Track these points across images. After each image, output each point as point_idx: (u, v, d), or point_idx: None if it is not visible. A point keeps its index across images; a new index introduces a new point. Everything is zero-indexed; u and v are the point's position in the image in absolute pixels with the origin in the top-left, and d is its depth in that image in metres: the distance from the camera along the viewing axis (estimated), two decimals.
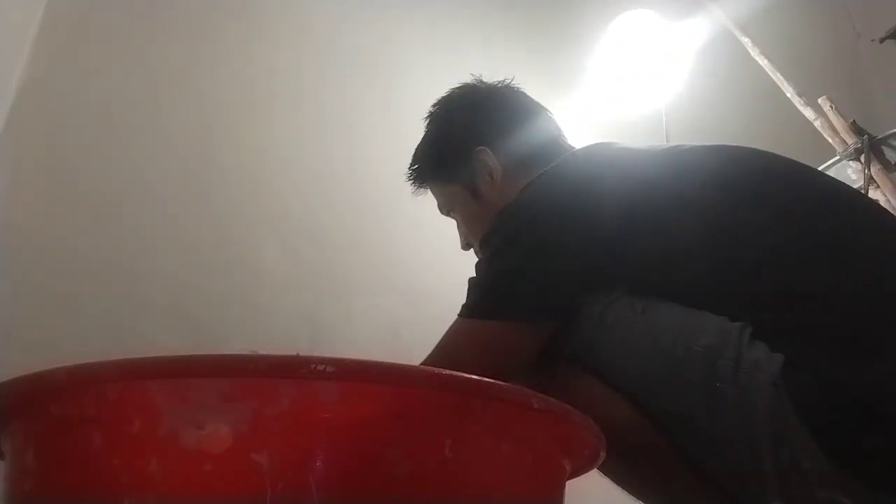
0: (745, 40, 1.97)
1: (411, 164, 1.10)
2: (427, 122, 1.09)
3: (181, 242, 1.31)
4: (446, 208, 1.07)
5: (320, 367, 0.41)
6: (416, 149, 1.09)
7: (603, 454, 0.59)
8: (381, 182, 1.61)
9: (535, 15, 2.20)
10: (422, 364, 0.76)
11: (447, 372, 0.45)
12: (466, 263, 1.56)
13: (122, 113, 1.30)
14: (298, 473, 0.41)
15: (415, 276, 1.61)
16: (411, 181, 1.10)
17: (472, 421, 0.46)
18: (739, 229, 0.72)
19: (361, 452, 0.42)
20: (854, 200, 0.80)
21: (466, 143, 1.00)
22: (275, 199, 1.49)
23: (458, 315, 0.81)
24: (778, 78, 1.90)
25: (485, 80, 1.07)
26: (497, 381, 0.47)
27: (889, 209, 1.67)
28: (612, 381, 0.74)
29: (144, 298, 1.22)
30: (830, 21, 2.71)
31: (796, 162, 0.84)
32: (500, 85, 1.06)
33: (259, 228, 1.44)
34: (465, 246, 1.08)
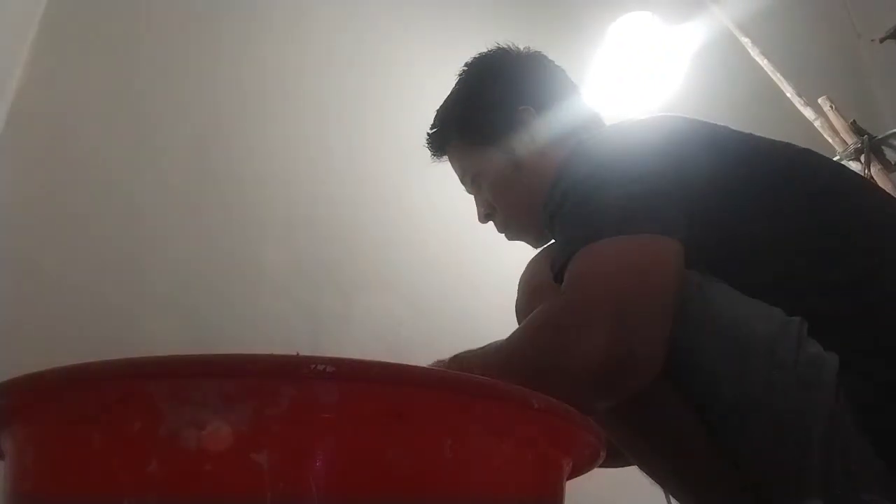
0: (745, 40, 1.97)
1: (434, 126, 1.03)
2: (459, 81, 1.02)
3: (181, 242, 1.31)
4: (472, 174, 0.98)
5: (320, 367, 0.41)
6: (442, 109, 1.02)
7: (603, 454, 0.58)
8: (382, 181, 1.61)
9: (535, 16, 2.20)
10: (575, 290, 0.64)
11: (447, 372, 0.45)
12: (467, 263, 1.57)
13: (121, 113, 1.30)
14: (298, 473, 0.41)
15: (415, 276, 1.61)
16: (432, 145, 1.03)
17: (472, 421, 0.46)
18: (802, 229, 0.70)
19: (361, 452, 0.42)
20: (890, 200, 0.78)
21: (508, 102, 0.95)
22: (275, 198, 1.49)
23: (586, 241, 0.67)
24: (778, 78, 1.90)
25: (509, 43, 1.02)
26: (497, 381, 0.47)
27: None
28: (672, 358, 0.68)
29: (145, 298, 1.22)
30: (830, 21, 2.71)
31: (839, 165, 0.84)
32: (530, 49, 1.02)
33: (259, 228, 1.44)
34: (485, 217, 1.00)
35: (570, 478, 0.59)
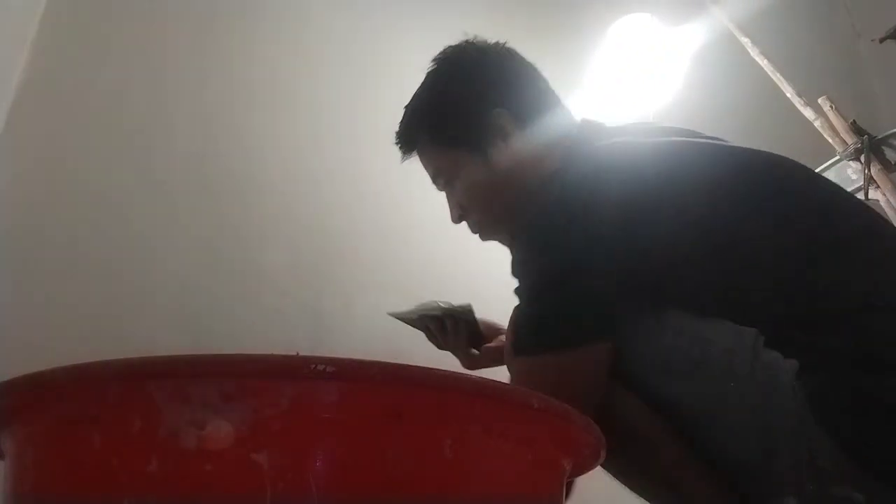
0: (745, 40, 1.97)
1: (403, 123, 1.00)
2: (429, 77, 0.99)
3: (181, 242, 1.31)
4: (444, 176, 0.97)
5: (320, 367, 0.41)
6: (410, 107, 0.99)
7: (603, 454, 0.58)
8: (382, 182, 1.61)
9: (534, 17, 2.20)
10: None
11: (447, 372, 0.45)
12: (467, 264, 1.56)
13: (121, 113, 1.30)
14: (298, 473, 0.41)
15: (415, 276, 1.61)
16: (402, 143, 1.00)
17: (472, 421, 0.46)
18: (750, 242, 0.72)
19: (361, 452, 0.42)
20: (861, 209, 0.80)
21: (480, 105, 0.92)
22: (275, 198, 1.49)
23: (520, 354, 0.78)
24: (778, 78, 1.90)
25: (481, 39, 0.99)
26: (497, 381, 0.47)
27: (889, 209, 1.67)
28: (634, 382, 0.75)
29: (144, 298, 1.22)
30: (830, 21, 2.71)
31: (804, 168, 0.84)
32: (504, 45, 0.99)
33: (259, 228, 1.44)
34: (458, 218, 0.99)
35: (570, 478, 0.59)
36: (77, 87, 1.25)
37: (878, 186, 1.69)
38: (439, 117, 0.96)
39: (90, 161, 1.24)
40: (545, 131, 0.92)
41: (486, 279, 1.51)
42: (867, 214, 0.77)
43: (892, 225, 0.79)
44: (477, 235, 1.00)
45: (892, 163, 1.72)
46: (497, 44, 0.99)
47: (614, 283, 0.74)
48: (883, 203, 1.69)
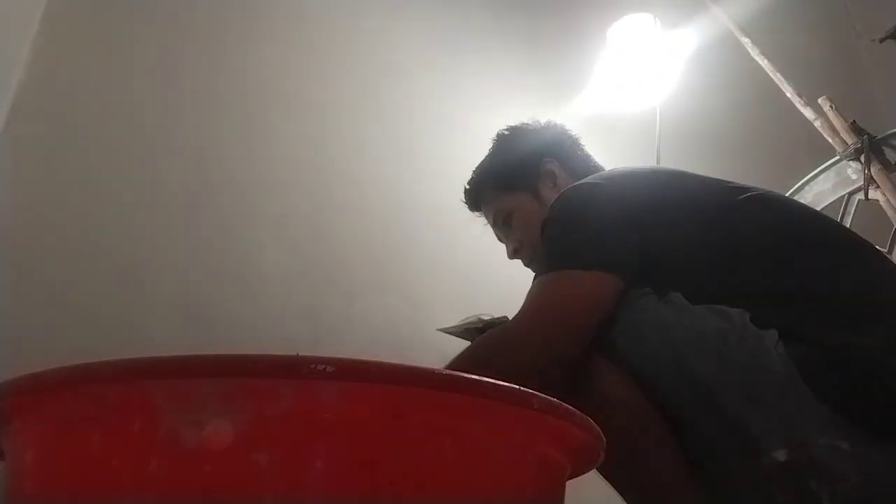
0: (745, 40, 1.97)
1: (471, 182, 1.22)
2: (494, 145, 1.24)
3: (181, 242, 1.31)
4: (504, 214, 1.17)
5: (320, 367, 0.41)
6: (480, 168, 1.23)
7: (603, 454, 0.59)
8: (382, 182, 1.62)
9: (536, 18, 2.20)
10: (522, 313, 0.86)
11: (447, 372, 0.45)
12: (466, 264, 1.56)
13: (121, 113, 1.30)
14: (298, 473, 0.41)
15: (415, 276, 1.61)
16: (469, 199, 1.23)
17: (472, 421, 0.46)
18: (741, 241, 0.87)
19: (361, 452, 0.42)
20: (831, 224, 0.99)
21: (533, 156, 1.16)
22: (275, 199, 1.49)
23: (547, 269, 0.89)
24: (778, 78, 1.90)
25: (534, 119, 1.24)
26: (497, 381, 0.47)
27: (889, 209, 1.67)
28: (633, 358, 0.83)
29: (145, 298, 1.22)
30: (830, 21, 2.71)
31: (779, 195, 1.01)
32: (554, 122, 1.25)
33: (259, 229, 1.44)
34: (514, 253, 1.16)
35: (570, 478, 0.59)
36: (77, 87, 1.25)
37: (878, 186, 1.69)
38: (501, 168, 1.19)
39: (90, 161, 1.24)
40: (585, 175, 1.11)
41: (487, 279, 1.51)
42: (829, 225, 0.96)
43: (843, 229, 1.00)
44: (520, 262, 1.17)
45: (892, 163, 1.72)
46: (549, 121, 1.25)
47: (629, 234, 0.88)
48: (883, 203, 1.69)
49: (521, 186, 1.15)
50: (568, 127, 1.26)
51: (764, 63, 1.93)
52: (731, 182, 0.97)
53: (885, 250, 1.72)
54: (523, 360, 0.83)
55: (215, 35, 1.51)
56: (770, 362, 0.75)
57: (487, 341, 0.91)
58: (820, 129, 1.82)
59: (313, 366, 0.41)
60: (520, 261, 1.17)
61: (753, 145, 2.28)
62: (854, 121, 1.78)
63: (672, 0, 2.17)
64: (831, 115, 1.81)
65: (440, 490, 0.44)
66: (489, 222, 1.23)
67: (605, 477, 0.83)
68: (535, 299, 0.88)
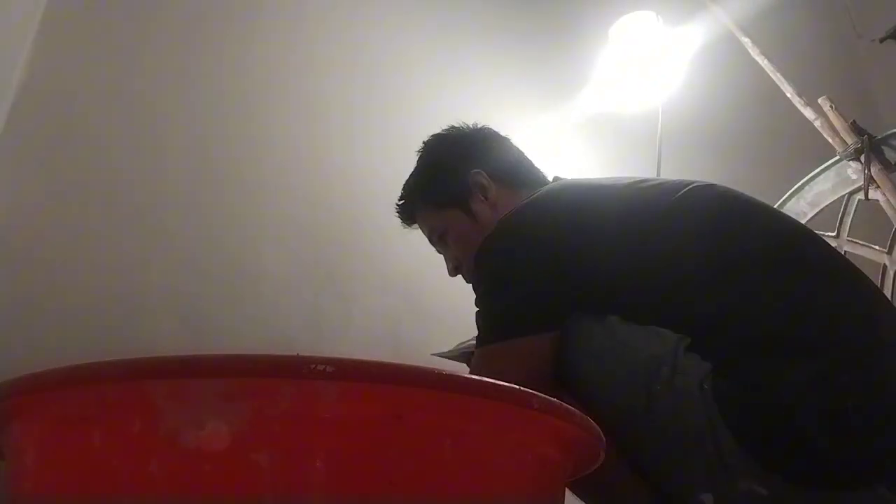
0: (745, 40, 1.97)
1: (401, 199, 1.18)
2: (419, 158, 1.18)
3: (181, 242, 1.31)
4: (438, 232, 1.13)
5: (320, 367, 0.41)
6: (407, 184, 1.18)
7: (602, 454, 0.59)
8: (381, 182, 1.61)
9: (536, 16, 2.20)
10: None
11: (447, 371, 0.45)
12: None
13: (121, 113, 1.30)
14: (298, 473, 0.41)
15: (415, 277, 1.61)
16: (402, 215, 1.19)
17: (472, 421, 0.46)
18: (680, 261, 0.82)
19: (361, 452, 0.42)
20: (788, 227, 0.90)
21: (461, 168, 1.10)
22: (275, 199, 1.49)
23: (482, 343, 0.87)
24: (778, 78, 1.90)
25: (462, 123, 1.18)
26: (497, 381, 0.47)
27: (889, 209, 1.67)
28: (573, 383, 0.82)
29: (144, 298, 1.22)
30: (830, 21, 2.71)
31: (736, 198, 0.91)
32: (481, 126, 1.18)
33: (259, 228, 1.44)
34: (454, 270, 1.13)
35: (570, 478, 0.59)
36: (77, 87, 1.25)
37: (878, 186, 1.69)
38: (429, 184, 1.14)
39: (90, 161, 1.24)
40: (519, 184, 1.10)
41: None
42: (797, 236, 0.88)
43: (811, 244, 0.87)
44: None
45: (892, 163, 1.72)
46: (475, 124, 1.19)
47: (557, 284, 0.85)
48: (883, 203, 1.69)
49: (451, 203, 1.10)
50: (490, 129, 1.19)
51: (764, 63, 1.93)
52: (665, 181, 0.93)
53: (885, 250, 1.72)
54: None
55: (216, 34, 1.51)
56: (692, 403, 0.73)
57: None
58: (820, 129, 1.82)
59: (313, 366, 0.41)
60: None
61: (753, 145, 2.27)
62: (854, 121, 1.78)
63: (672, 0, 2.17)
64: (831, 115, 1.81)
65: (440, 490, 0.44)
66: (426, 236, 1.19)
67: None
68: (478, 371, 0.86)
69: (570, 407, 0.51)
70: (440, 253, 1.17)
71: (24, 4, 1.20)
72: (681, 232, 0.85)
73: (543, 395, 0.49)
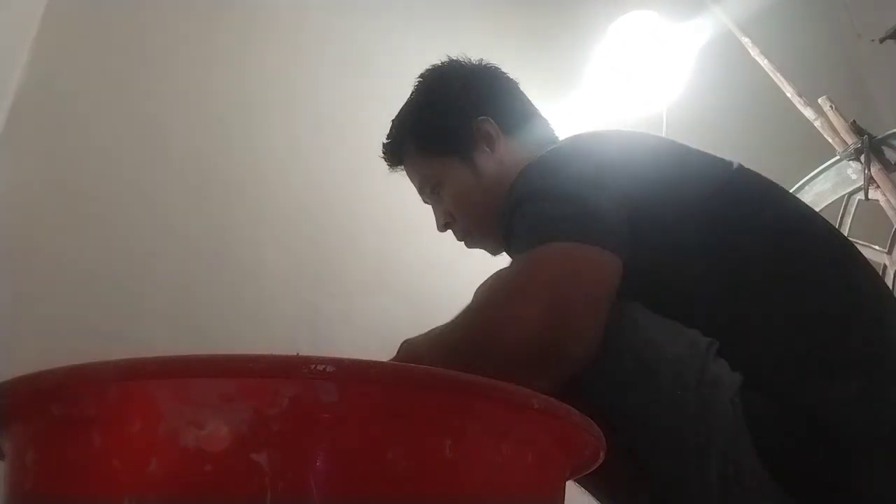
0: (745, 40, 1.97)
1: (390, 136, 1.03)
2: (415, 91, 1.03)
3: (181, 242, 1.31)
4: (432, 184, 0.99)
5: (320, 367, 0.41)
6: (398, 119, 1.03)
7: (603, 454, 0.58)
8: (380, 182, 1.61)
9: (535, 16, 2.20)
10: (509, 288, 0.69)
11: (447, 372, 0.45)
12: (466, 263, 1.56)
13: (121, 113, 1.30)
14: (298, 473, 0.41)
15: (414, 277, 1.61)
16: (388, 155, 1.04)
17: (472, 421, 0.46)
18: (719, 254, 0.73)
19: (361, 452, 0.42)
20: (822, 230, 0.81)
21: (466, 112, 0.96)
22: (274, 199, 1.49)
23: (528, 247, 0.71)
24: (778, 78, 1.90)
25: (465, 57, 1.03)
26: (497, 382, 0.47)
27: (889, 209, 1.67)
28: (585, 379, 0.71)
29: (144, 298, 1.22)
30: (830, 21, 2.71)
31: (772, 186, 0.83)
32: (487, 63, 1.03)
33: (259, 228, 1.44)
34: (444, 227, 1.01)
35: (570, 478, 0.59)
36: (77, 87, 1.25)
37: (878, 186, 1.69)
38: (426, 126, 0.99)
39: (90, 161, 1.24)
40: (529, 139, 0.96)
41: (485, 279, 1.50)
42: (827, 239, 0.79)
43: (845, 249, 0.79)
44: (463, 243, 1.02)
45: (892, 163, 1.72)
46: (481, 61, 1.03)
47: (618, 210, 0.73)
48: (883, 203, 1.69)
49: (450, 151, 0.96)
50: (499, 68, 1.03)
51: (764, 63, 1.93)
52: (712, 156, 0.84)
53: (885, 250, 1.72)
54: (526, 326, 0.65)
55: (216, 36, 1.51)
56: (718, 417, 0.66)
57: (476, 313, 0.73)
58: (820, 129, 1.82)
59: (313, 366, 0.41)
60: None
61: (753, 145, 2.27)
62: (854, 121, 1.78)
63: (672, 1, 2.17)
64: (831, 115, 1.81)
65: (440, 490, 0.44)
66: (414, 185, 1.04)
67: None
68: (527, 273, 0.70)
69: (570, 407, 0.51)
70: (427, 203, 1.04)
71: (24, 4, 1.20)
72: (737, 213, 0.75)
73: (543, 395, 0.49)
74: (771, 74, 1.92)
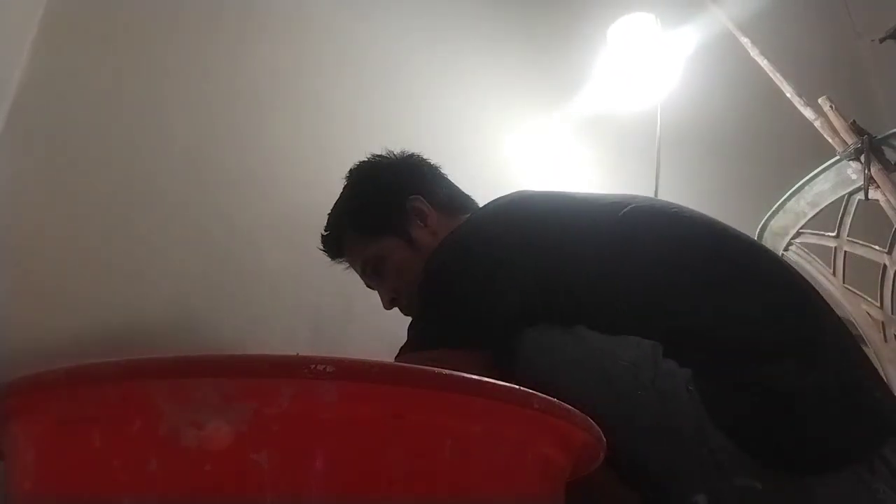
0: (745, 40, 1.97)
1: (329, 227, 1.13)
2: (347, 184, 1.14)
3: (181, 242, 1.31)
4: (373, 263, 1.07)
5: (320, 367, 0.41)
6: (335, 213, 1.13)
7: (602, 455, 0.59)
8: None
9: (534, 17, 2.20)
10: None
11: (447, 372, 0.45)
12: None
13: (122, 113, 1.30)
14: (298, 473, 0.41)
15: None
16: (329, 247, 1.13)
17: (472, 421, 0.46)
18: (653, 270, 0.82)
19: (361, 452, 0.42)
20: (750, 246, 0.90)
21: (398, 193, 1.06)
22: (275, 198, 1.49)
23: (413, 347, 0.85)
24: (778, 78, 1.90)
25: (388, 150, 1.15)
26: (497, 382, 0.47)
27: (889, 209, 1.67)
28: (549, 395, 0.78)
29: (144, 298, 1.22)
30: (830, 21, 2.71)
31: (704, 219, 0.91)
32: (411, 152, 1.15)
33: (260, 228, 1.44)
34: (390, 303, 1.10)
35: (570, 478, 0.59)
36: (77, 87, 1.25)
37: (878, 186, 1.69)
38: (363, 211, 1.08)
39: (90, 161, 1.24)
40: (459, 212, 1.06)
41: None
42: (750, 251, 0.88)
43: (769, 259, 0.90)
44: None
45: (892, 163, 1.72)
46: (404, 152, 1.15)
47: (515, 301, 0.83)
48: (883, 203, 1.69)
49: (388, 229, 1.05)
50: (425, 156, 1.15)
51: (764, 63, 1.93)
52: (605, 196, 0.93)
53: (885, 250, 1.72)
54: None
55: (215, 34, 1.51)
56: (681, 405, 0.73)
57: None
58: (820, 129, 1.82)
59: (313, 366, 0.41)
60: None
61: (753, 145, 2.27)
62: (854, 121, 1.78)
63: (671, 0, 2.17)
64: (831, 115, 1.81)
65: (440, 490, 0.44)
66: (356, 271, 1.13)
67: None
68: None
69: (570, 407, 0.51)
70: (371, 287, 1.13)
71: (24, 4, 1.20)
72: (654, 242, 0.85)
73: (543, 396, 0.49)
74: (770, 74, 1.92)
